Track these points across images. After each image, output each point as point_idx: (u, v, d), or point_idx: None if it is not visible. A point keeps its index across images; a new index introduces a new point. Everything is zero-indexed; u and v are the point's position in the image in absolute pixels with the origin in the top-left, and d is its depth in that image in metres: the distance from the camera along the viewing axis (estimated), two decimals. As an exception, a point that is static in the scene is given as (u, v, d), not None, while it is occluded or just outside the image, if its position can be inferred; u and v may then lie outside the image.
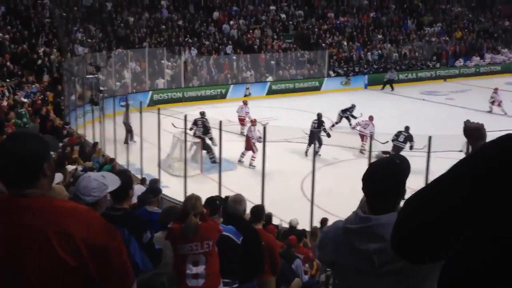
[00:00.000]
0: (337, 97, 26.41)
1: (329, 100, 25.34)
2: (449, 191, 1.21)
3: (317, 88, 28.60)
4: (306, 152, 15.64)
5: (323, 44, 30.97)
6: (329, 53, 29.78)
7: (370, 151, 10.56)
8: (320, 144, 15.13)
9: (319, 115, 17.22)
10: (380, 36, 33.61)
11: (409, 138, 15.46)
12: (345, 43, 31.94)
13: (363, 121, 17.47)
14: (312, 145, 14.14)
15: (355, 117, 19.40)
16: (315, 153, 13.35)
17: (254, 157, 15.13)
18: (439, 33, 35.90)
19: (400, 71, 31.35)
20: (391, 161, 2.15)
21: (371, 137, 16.42)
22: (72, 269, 1.78)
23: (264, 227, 6.42)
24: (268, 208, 10.01)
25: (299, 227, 9.47)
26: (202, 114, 16.17)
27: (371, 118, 17.30)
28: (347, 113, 20.05)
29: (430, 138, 10.08)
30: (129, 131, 16.50)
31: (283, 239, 7.64)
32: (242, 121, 18.83)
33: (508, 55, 35.51)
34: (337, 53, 30.79)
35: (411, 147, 14.75)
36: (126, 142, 16.15)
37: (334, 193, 12.88)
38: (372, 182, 2.06)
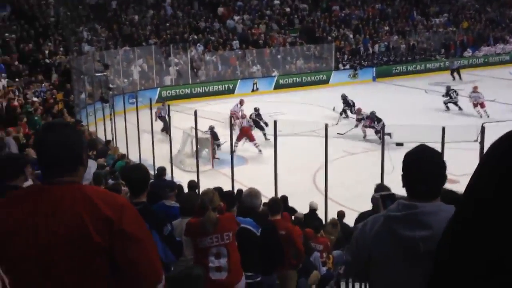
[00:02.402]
0: (345, 90, 26.32)
1: (337, 94, 25.23)
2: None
3: (325, 82, 28.50)
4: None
5: (329, 38, 30.84)
6: (335, 46, 29.67)
7: (383, 143, 10.48)
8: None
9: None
10: (386, 28, 33.42)
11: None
12: (351, 35, 31.79)
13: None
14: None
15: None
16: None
17: (257, 143, 16.30)
18: (446, 23, 35.66)
19: (408, 62, 31.25)
20: (429, 148, 2.14)
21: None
22: (103, 250, 1.82)
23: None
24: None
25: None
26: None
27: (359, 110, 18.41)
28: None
29: (443, 128, 9.96)
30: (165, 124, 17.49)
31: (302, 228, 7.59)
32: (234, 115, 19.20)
33: (516, 44, 35.25)
34: (344, 46, 30.65)
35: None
36: (164, 131, 17.18)
37: (346, 185, 12.85)
38: (418, 167, 2.05)
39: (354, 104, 19.89)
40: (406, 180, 2.09)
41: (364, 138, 17.41)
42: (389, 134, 14.95)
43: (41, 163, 1.93)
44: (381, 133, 16.72)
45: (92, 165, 3.16)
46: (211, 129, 15.50)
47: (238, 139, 16.18)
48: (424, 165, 2.05)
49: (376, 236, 2.12)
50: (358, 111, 18.11)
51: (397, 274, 2.05)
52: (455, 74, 29.05)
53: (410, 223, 1.99)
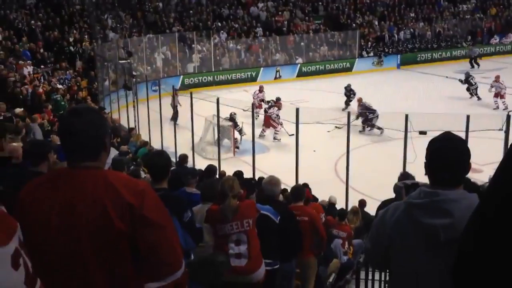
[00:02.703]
0: (369, 77, 26.09)
1: (361, 81, 25.03)
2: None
3: (348, 69, 28.27)
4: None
5: (354, 25, 30.50)
6: (360, 33, 29.34)
7: (406, 132, 10.34)
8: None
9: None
10: (412, 15, 32.91)
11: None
12: (376, 22, 31.39)
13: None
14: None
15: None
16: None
17: (278, 131, 16.22)
18: (474, 10, 34.93)
19: (433, 49, 30.76)
20: (454, 135, 2.12)
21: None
22: (124, 236, 1.83)
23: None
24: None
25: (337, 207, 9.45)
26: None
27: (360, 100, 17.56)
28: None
29: (468, 117, 9.81)
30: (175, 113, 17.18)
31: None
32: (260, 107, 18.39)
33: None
34: (368, 34, 30.30)
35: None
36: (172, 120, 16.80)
37: (368, 174, 12.77)
38: (441, 155, 2.03)
39: (355, 93, 19.41)
40: (430, 167, 2.08)
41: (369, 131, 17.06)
42: (381, 129, 15.81)
43: (65, 148, 1.94)
44: (371, 125, 16.55)
45: (111, 152, 3.20)
46: (231, 115, 15.47)
47: (266, 126, 16.45)
48: (448, 152, 2.03)
49: (396, 223, 2.10)
50: (359, 101, 17.51)
51: (417, 262, 2.04)
52: (473, 62, 28.45)
53: (432, 211, 1.97)
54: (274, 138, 16.22)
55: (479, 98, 20.39)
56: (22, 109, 12.55)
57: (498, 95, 19.50)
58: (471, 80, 20.71)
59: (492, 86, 19.74)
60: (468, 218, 1.87)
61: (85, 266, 1.82)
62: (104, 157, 1.97)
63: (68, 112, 2.04)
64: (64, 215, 1.83)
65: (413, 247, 2.04)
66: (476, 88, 20.63)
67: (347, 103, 19.68)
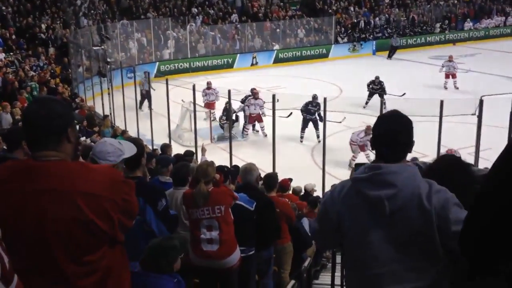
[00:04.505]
0: (345, 64, 26.20)
1: (336, 68, 25.14)
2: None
3: (324, 56, 28.32)
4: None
5: (330, 10, 30.51)
6: (336, 19, 29.37)
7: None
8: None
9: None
10: (387, 1, 33.06)
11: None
12: (352, 8, 31.45)
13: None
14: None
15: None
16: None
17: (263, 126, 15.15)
18: (448, -5, 35.25)
19: (408, 36, 30.96)
20: (399, 113, 2.18)
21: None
22: (101, 230, 1.82)
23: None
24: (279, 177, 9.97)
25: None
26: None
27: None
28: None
29: (441, 102, 9.94)
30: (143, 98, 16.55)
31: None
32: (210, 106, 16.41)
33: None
34: (344, 20, 30.34)
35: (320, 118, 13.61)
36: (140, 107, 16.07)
37: (344, 160, 12.89)
38: (384, 132, 2.11)
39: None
40: (373, 143, 2.16)
41: None
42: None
43: (25, 138, 1.92)
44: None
45: (127, 149, 3.11)
46: (226, 105, 14.69)
47: (250, 122, 15.21)
48: (389, 128, 2.11)
49: (344, 198, 2.16)
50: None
51: (366, 234, 2.08)
52: (392, 52, 27.80)
53: (376, 183, 2.04)
54: (265, 136, 15.08)
55: (366, 103, 17.64)
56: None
57: (449, 75, 19.99)
58: (382, 84, 17.87)
59: (443, 66, 20.27)
60: (409, 187, 1.99)
61: (55, 260, 1.79)
62: (69, 148, 1.91)
63: (31, 101, 2.03)
64: (33, 200, 1.79)
65: (362, 219, 2.10)
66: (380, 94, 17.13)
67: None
